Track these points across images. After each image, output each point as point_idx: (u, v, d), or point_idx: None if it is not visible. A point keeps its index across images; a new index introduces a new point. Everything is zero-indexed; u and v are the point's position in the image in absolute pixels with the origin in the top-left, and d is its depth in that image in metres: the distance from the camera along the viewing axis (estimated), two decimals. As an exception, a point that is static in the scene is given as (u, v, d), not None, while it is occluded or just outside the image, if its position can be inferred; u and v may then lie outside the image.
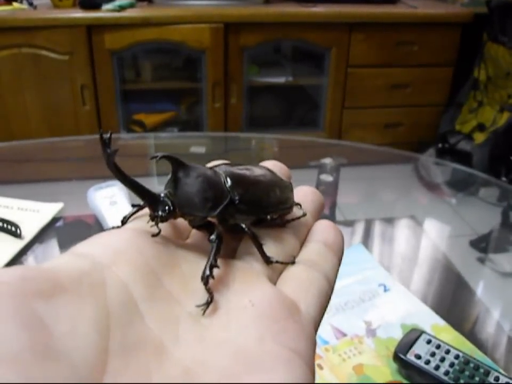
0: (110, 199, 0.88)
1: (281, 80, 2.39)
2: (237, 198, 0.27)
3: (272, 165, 0.33)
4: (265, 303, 0.23)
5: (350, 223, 1.05)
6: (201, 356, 0.20)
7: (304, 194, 0.32)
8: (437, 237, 1.08)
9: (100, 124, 2.19)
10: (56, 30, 2.00)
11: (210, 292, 0.23)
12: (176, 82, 2.39)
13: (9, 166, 1.34)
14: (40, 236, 0.87)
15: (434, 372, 0.57)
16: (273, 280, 0.26)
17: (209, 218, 0.27)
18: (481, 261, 1.10)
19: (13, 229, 0.85)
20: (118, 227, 0.27)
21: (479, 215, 1.51)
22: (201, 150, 1.51)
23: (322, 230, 0.30)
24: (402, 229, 1.05)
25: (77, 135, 2.10)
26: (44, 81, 2.09)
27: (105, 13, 2.04)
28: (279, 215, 0.30)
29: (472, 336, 0.68)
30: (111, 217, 0.85)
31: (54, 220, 0.92)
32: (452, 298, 0.84)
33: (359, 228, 1.02)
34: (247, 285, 0.24)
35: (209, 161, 0.31)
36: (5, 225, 0.85)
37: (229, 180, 0.28)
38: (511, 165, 2.15)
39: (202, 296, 0.23)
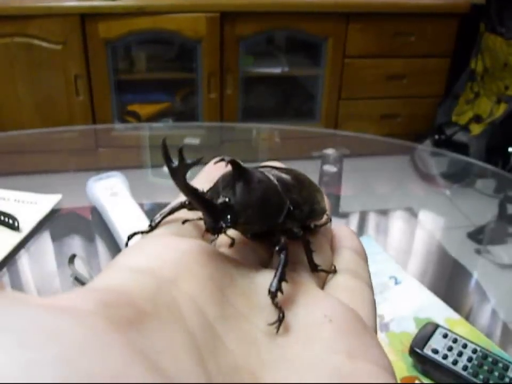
0: (111, 190, 0.86)
1: (277, 70, 2.36)
2: (292, 204, 0.25)
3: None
4: (341, 318, 0.22)
5: (346, 215, 1.04)
6: (296, 379, 0.19)
7: None
8: (435, 228, 1.07)
9: (94, 115, 2.16)
10: (49, 19, 1.96)
11: (279, 307, 0.21)
12: (171, 72, 2.35)
13: (3, 157, 1.31)
14: (38, 229, 0.85)
15: (452, 367, 0.56)
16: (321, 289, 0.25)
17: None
18: (479, 252, 1.09)
19: (10, 221, 0.82)
20: (146, 232, 0.25)
21: (476, 207, 1.50)
22: (195, 141, 1.48)
23: (347, 236, 0.29)
24: (399, 221, 1.05)
25: (71, 125, 2.08)
26: (36, 71, 2.05)
27: (99, 1, 2.00)
28: (317, 221, 0.28)
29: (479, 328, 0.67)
30: (112, 208, 0.83)
31: (53, 212, 0.89)
32: (453, 290, 0.83)
33: (354, 220, 1.01)
34: (309, 297, 0.23)
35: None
36: (2, 217, 0.83)
37: (280, 185, 0.25)
38: (508, 156, 2.15)
39: (270, 312, 0.21)
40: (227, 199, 0.23)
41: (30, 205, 0.89)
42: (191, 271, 0.21)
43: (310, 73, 2.45)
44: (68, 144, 1.55)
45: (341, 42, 2.24)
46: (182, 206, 0.25)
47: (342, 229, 0.30)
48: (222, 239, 0.26)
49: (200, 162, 0.21)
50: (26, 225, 0.83)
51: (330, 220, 0.30)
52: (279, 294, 0.22)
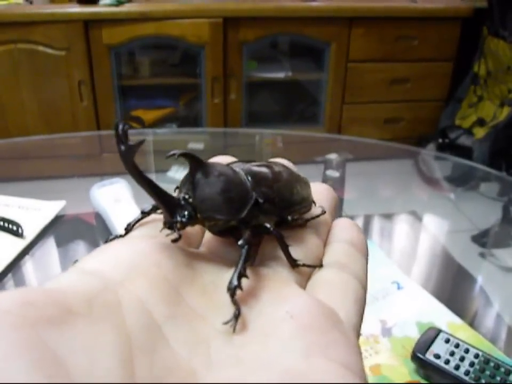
0: (114, 197, 0.86)
1: (280, 75, 2.37)
2: (261, 197, 0.25)
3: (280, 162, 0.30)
4: (304, 314, 0.20)
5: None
6: (241, 380, 0.18)
7: (319, 192, 0.30)
8: (438, 232, 1.07)
9: (98, 120, 2.17)
10: (52, 25, 1.98)
11: (236, 304, 0.21)
12: (174, 78, 2.36)
13: (7, 163, 1.31)
14: (43, 235, 0.85)
15: (454, 371, 0.56)
16: (302, 286, 0.24)
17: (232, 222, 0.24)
18: (483, 256, 1.09)
19: (14, 228, 0.82)
20: (121, 236, 0.25)
21: (480, 210, 1.50)
22: (199, 146, 1.49)
23: (345, 228, 0.28)
24: (403, 225, 1.04)
25: (75, 131, 2.08)
26: (40, 77, 2.06)
27: (102, 7, 2.02)
28: (299, 214, 0.27)
29: (483, 333, 0.67)
30: (116, 215, 0.83)
31: (57, 218, 0.89)
32: (457, 294, 0.83)
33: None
34: (278, 294, 0.22)
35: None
36: (6, 224, 0.83)
37: (250, 178, 0.25)
38: (512, 160, 2.15)
39: (230, 310, 0.21)
40: (186, 195, 0.23)
41: (34, 211, 0.90)
42: (143, 271, 0.20)
43: (313, 77, 2.45)
44: (72, 150, 1.55)
45: (344, 47, 2.25)
46: (155, 208, 0.25)
47: (340, 221, 0.28)
48: (205, 236, 0.26)
49: (143, 143, 0.20)
50: (31, 232, 0.83)
51: (325, 212, 0.28)
52: (239, 291, 0.21)
